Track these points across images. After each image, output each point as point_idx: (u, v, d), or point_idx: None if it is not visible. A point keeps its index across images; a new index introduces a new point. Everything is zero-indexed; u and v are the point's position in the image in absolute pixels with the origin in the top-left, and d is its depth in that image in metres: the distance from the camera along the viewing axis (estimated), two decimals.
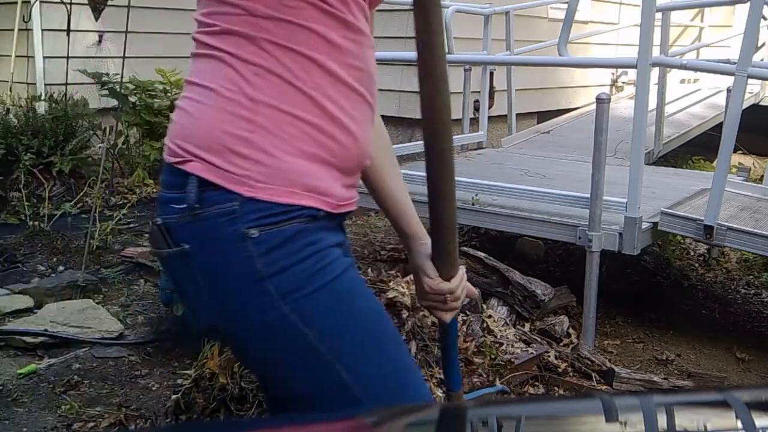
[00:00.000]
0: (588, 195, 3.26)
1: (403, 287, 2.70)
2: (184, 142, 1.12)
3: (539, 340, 3.21)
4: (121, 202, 5.48)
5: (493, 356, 2.79)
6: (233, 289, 1.12)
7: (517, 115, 5.79)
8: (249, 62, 1.11)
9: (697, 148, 6.56)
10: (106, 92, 5.93)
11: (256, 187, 1.10)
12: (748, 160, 6.59)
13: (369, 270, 2.72)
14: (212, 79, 1.13)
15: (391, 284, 2.74)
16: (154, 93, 6.14)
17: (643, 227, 3.36)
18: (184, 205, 1.11)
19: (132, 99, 6.08)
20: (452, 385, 1.42)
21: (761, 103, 6.99)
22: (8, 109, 5.65)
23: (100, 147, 5.64)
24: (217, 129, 1.11)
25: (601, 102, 3.20)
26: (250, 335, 1.16)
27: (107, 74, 6.00)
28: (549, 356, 3.09)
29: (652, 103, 4.24)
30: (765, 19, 5.31)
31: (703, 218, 3.29)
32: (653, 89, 4.26)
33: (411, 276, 1.50)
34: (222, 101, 1.11)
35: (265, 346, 1.16)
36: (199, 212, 1.10)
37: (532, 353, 3.03)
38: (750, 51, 3.30)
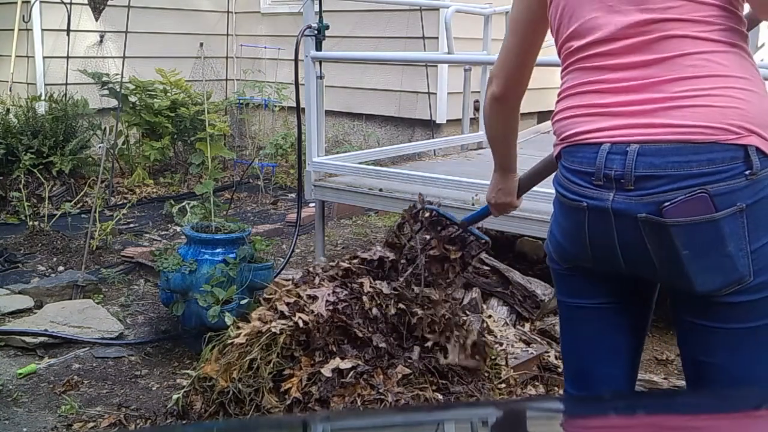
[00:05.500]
0: None
1: None
2: (744, 122, 1.36)
3: (539, 340, 3.21)
4: (121, 202, 5.49)
5: (493, 356, 2.78)
6: None
7: None
8: (749, 53, 1.42)
9: None
10: (106, 92, 5.93)
11: None
12: None
13: None
14: (743, 70, 1.40)
15: None
16: (154, 93, 6.14)
17: None
18: (747, 171, 1.34)
19: (132, 99, 6.08)
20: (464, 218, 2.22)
21: None
22: (8, 109, 5.65)
23: (100, 147, 5.65)
24: (765, 111, 1.39)
25: None
26: None
27: (107, 74, 6.01)
28: (549, 356, 3.09)
29: None
30: None
31: None
32: None
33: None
34: (758, 87, 1.40)
35: None
36: (756, 176, 1.35)
37: (532, 353, 3.03)
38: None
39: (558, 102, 1.56)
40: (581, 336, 1.67)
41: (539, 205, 3.52)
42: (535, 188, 3.89)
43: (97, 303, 3.79)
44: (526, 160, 5.25)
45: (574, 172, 1.47)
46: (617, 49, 1.42)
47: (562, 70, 1.57)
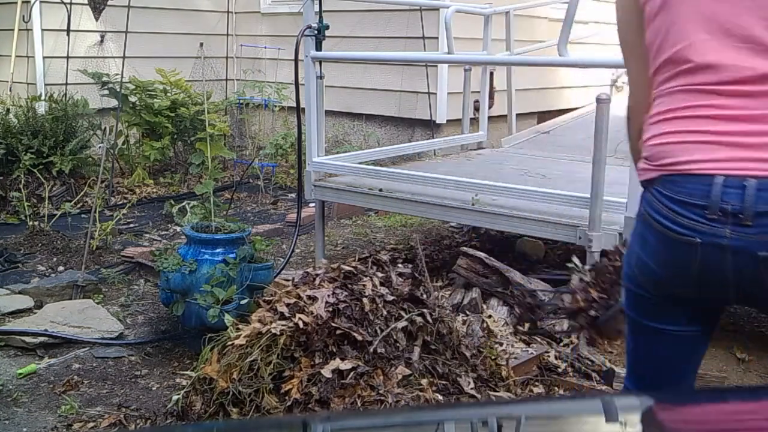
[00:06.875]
0: (588, 195, 3.26)
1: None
2: None
3: (539, 340, 3.21)
4: (121, 202, 5.49)
5: (493, 356, 2.78)
6: None
7: (517, 115, 5.78)
8: None
9: None
10: (106, 92, 5.94)
11: None
12: None
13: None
14: None
15: None
16: (154, 93, 6.14)
17: None
18: None
19: (132, 99, 6.08)
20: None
21: None
22: (8, 109, 5.65)
23: (100, 147, 5.64)
24: None
25: (601, 102, 3.20)
26: None
27: (107, 74, 6.01)
28: (549, 356, 3.09)
29: None
30: None
31: None
32: None
33: None
34: None
35: None
36: None
37: (532, 353, 3.03)
38: None
39: (654, 124, 1.48)
40: (654, 356, 1.65)
41: (539, 205, 3.53)
42: (533, 188, 3.89)
43: (97, 303, 3.79)
44: (524, 160, 5.22)
45: (682, 203, 1.41)
46: (730, 78, 1.37)
47: (658, 90, 1.49)
